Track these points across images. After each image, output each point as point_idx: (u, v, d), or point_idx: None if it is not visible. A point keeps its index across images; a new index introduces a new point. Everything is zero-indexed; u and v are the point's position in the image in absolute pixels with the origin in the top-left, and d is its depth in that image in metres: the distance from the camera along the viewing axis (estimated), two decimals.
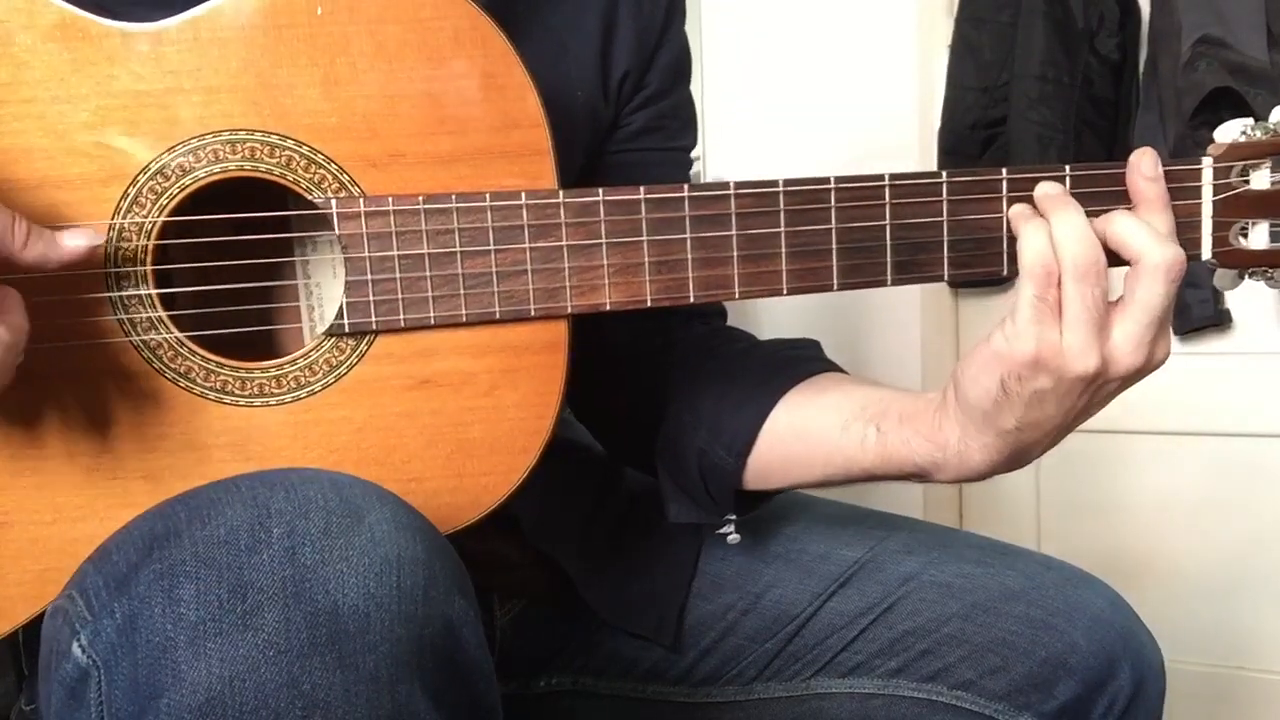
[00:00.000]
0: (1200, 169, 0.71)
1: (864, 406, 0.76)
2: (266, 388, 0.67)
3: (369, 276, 0.66)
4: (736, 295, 0.70)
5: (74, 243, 0.60)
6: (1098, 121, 1.64)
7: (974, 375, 0.69)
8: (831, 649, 0.86)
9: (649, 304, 0.70)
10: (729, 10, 1.77)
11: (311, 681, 0.49)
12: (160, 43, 0.64)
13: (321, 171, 0.66)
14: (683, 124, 0.91)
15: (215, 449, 0.66)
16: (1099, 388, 0.68)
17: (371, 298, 0.67)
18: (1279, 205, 0.71)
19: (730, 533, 0.85)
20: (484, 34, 0.67)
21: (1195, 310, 1.59)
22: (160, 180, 0.64)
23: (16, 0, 0.63)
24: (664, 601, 0.88)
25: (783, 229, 0.70)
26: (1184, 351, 1.60)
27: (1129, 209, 0.70)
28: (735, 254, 0.70)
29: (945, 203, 0.71)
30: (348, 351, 0.68)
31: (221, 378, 0.66)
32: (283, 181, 0.65)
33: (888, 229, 0.70)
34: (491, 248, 0.67)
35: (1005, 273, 0.72)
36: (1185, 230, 0.71)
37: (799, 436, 0.79)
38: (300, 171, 0.65)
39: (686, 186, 0.69)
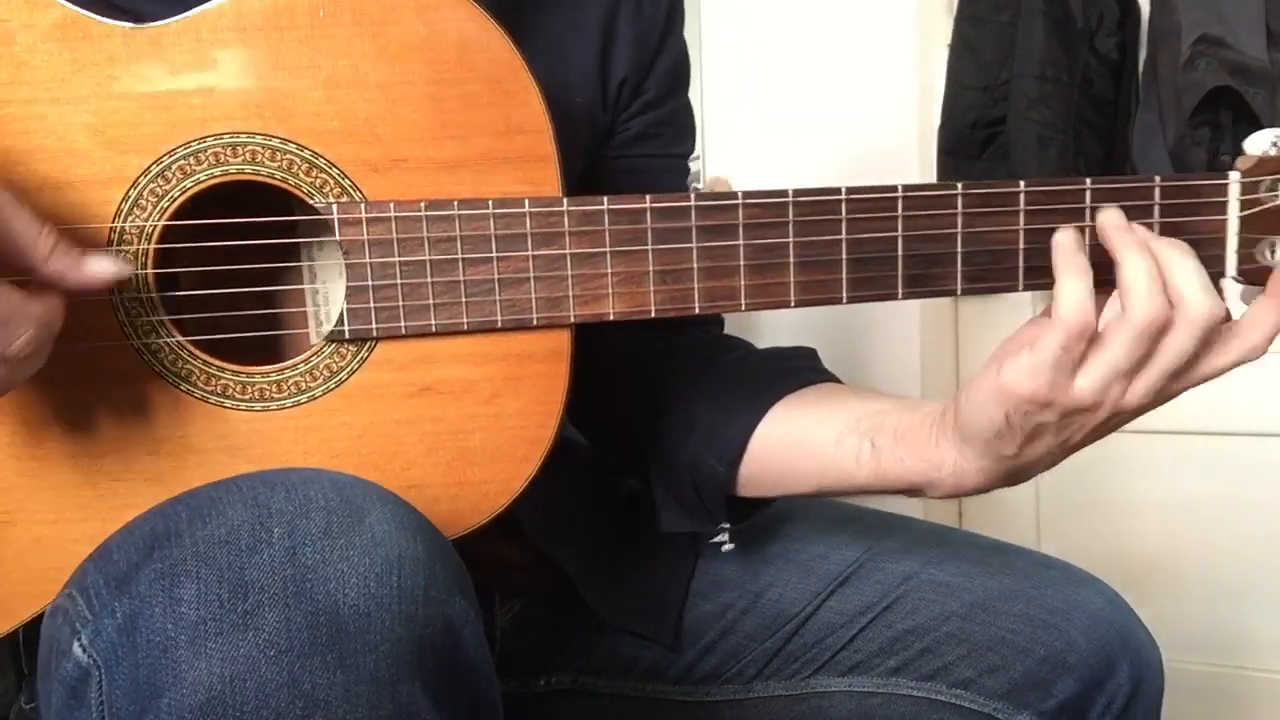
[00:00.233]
0: (1227, 184, 0.70)
1: (859, 419, 0.75)
2: (267, 392, 0.67)
3: (370, 282, 0.66)
4: (743, 307, 0.69)
5: (98, 268, 0.60)
6: (1097, 121, 1.64)
7: (979, 404, 0.67)
8: (831, 648, 0.86)
9: (653, 313, 0.69)
10: (728, 9, 1.77)
11: (312, 681, 0.49)
12: (161, 43, 0.64)
13: (323, 176, 0.66)
14: (680, 131, 0.91)
15: (215, 453, 0.66)
16: (1104, 423, 0.67)
17: (373, 304, 0.66)
18: None
19: (725, 541, 0.85)
20: (489, 38, 0.66)
21: None
22: (161, 183, 0.64)
23: None
24: (663, 601, 0.88)
25: (791, 240, 0.68)
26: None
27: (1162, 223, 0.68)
28: (742, 264, 0.68)
29: (960, 215, 0.69)
30: (349, 357, 0.67)
31: (222, 382, 0.66)
32: (284, 186, 0.65)
33: (899, 241, 0.69)
34: (494, 255, 0.67)
35: (1021, 288, 0.70)
36: (1209, 246, 0.69)
37: (792, 447, 0.78)
38: (302, 176, 0.65)
39: (693, 196, 0.68)
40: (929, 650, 0.84)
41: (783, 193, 0.68)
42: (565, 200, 0.67)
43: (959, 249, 0.69)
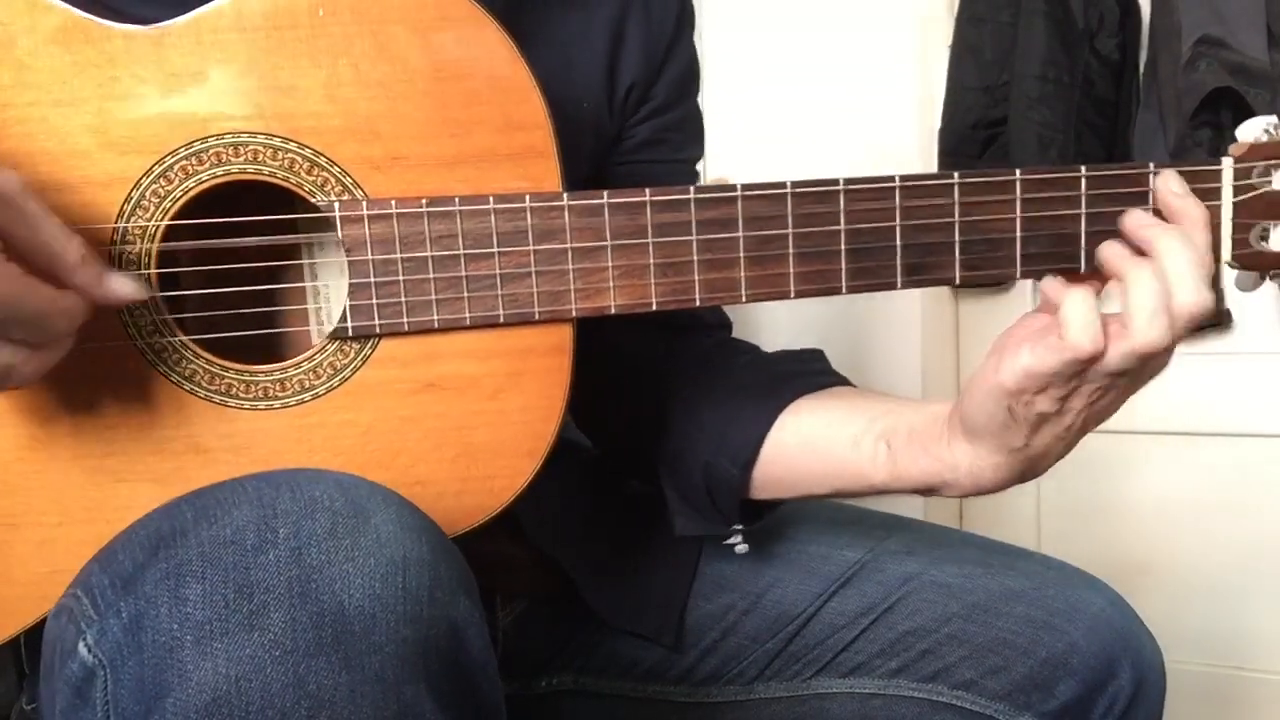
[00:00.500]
0: (1220, 170, 0.70)
1: (873, 421, 0.76)
2: (271, 391, 0.67)
3: (372, 279, 0.66)
4: (744, 299, 0.69)
5: (120, 288, 0.60)
6: (1098, 121, 1.64)
7: (979, 403, 0.68)
8: (832, 649, 0.86)
9: (654, 307, 0.69)
10: (730, 10, 1.77)
11: (317, 681, 0.49)
12: (162, 45, 0.64)
13: (324, 174, 0.66)
14: (688, 137, 0.91)
15: (220, 452, 0.66)
16: (1105, 407, 0.68)
17: (375, 301, 0.67)
18: None
19: (738, 543, 0.85)
20: (488, 35, 0.67)
21: None
22: (163, 183, 0.64)
23: (18, 2, 0.62)
24: (665, 602, 0.88)
25: (790, 231, 0.69)
26: (1185, 352, 1.59)
27: (1146, 210, 0.69)
28: (742, 256, 0.69)
29: (957, 204, 0.70)
30: (352, 355, 0.68)
31: (226, 381, 0.66)
32: (286, 185, 0.65)
33: (898, 230, 0.70)
34: (495, 250, 0.67)
35: (1018, 275, 0.71)
36: None
37: (806, 449, 0.79)
38: (303, 174, 0.65)
39: (693, 188, 0.68)
40: (930, 651, 0.84)
41: (781, 184, 0.69)
42: (565, 195, 0.68)
43: (956, 238, 0.70)
